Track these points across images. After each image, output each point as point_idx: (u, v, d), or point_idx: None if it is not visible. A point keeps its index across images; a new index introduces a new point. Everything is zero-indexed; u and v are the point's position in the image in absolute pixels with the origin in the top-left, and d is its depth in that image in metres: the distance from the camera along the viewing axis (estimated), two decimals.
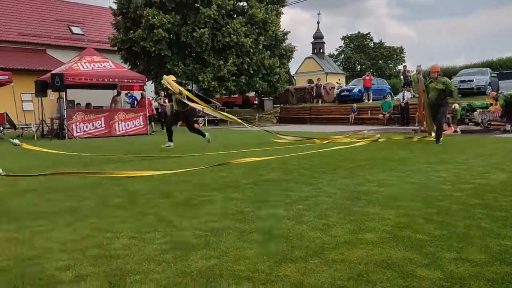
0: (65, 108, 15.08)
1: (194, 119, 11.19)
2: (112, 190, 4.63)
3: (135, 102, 19.46)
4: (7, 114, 17.18)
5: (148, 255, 2.57)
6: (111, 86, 16.90)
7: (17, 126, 16.31)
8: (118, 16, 24.17)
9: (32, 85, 15.83)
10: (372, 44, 59.17)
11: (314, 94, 25.94)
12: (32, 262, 2.48)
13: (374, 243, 2.68)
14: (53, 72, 15.49)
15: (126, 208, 3.81)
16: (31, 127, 16.84)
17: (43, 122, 16.18)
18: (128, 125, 16.11)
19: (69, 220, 3.39)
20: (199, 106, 10.09)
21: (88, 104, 18.21)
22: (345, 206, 3.67)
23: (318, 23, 55.55)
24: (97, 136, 15.00)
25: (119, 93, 17.51)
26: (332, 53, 60.30)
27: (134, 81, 16.86)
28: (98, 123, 15.47)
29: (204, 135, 9.61)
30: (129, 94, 19.92)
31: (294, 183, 4.81)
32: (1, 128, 15.84)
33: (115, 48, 24.83)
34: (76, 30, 29.89)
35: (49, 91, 16.39)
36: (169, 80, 9.30)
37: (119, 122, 15.92)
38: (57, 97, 16.91)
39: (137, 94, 19.47)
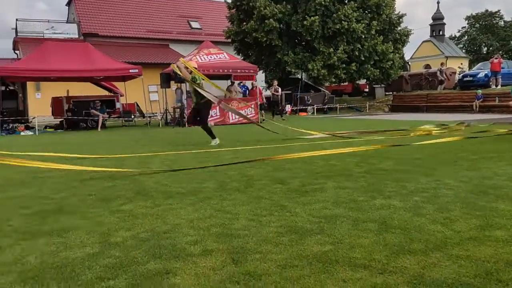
0: (185, 98, 16.35)
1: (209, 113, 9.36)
2: (229, 175, 4.93)
3: (247, 92, 20.25)
4: (137, 104, 19.27)
5: (265, 236, 2.71)
6: (226, 77, 17.78)
7: (145, 115, 18.18)
8: (232, 9, 25.20)
9: (157, 77, 17.43)
10: (502, 23, 52.84)
11: (441, 79, 24.09)
12: (166, 235, 2.80)
13: (504, 241, 2.46)
14: None
15: (243, 191, 4.04)
16: (157, 116, 18.63)
17: (167, 111, 17.75)
18: None
19: (193, 201, 3.72)
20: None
21: None
22: (470, 200, 3.42)
23: (438, 3, 50.99)
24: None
25: (233, 83, 18.39)
26: (453, 35, 55.31)
27: (247, 71, 17.50)
28: (214, 111, 16.39)
29: (213, 137, 8.18)
30: (241, 84, 20.79)
31: (409, 174, 4.60)
32: (132, 116, 17.81)
33: (229, 40, 26.00)
34: (194, 24, 32.05)
35: (172, 83, 17.92)
36: (179, 64, 7.93)
37: None
38: (176, 88, 18.42)
39: (248, 83, 20.22)
